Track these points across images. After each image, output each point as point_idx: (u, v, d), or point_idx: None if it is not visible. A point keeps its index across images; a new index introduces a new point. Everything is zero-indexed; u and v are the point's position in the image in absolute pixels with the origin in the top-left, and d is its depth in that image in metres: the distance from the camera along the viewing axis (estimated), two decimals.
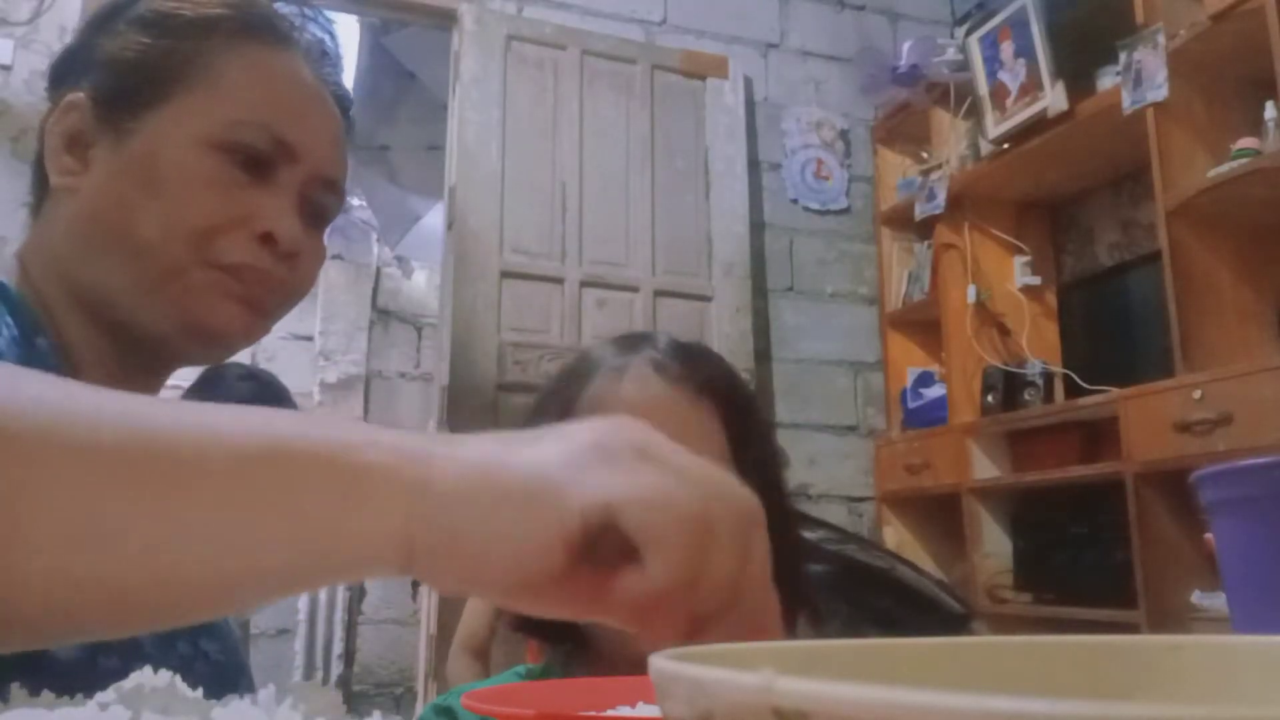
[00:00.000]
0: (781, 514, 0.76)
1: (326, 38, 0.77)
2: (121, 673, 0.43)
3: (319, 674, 3.87)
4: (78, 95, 0.69)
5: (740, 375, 0.79)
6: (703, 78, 3.15)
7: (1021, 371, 2.84)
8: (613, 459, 0.35)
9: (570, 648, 0.76)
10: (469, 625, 1.85)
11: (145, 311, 0.67)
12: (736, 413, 0.73)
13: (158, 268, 0.66)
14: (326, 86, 0.75)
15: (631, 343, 0.76)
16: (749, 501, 0.37)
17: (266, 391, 1.83)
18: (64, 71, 0.72)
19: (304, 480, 0.36)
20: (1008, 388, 2.82)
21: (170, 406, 0.38)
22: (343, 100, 0.77)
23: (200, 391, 1.84)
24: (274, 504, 0.36)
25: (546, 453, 0.36)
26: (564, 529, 0.34)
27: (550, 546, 0.35)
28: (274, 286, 0.70)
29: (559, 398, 0.75)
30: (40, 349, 0.64)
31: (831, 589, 0.77)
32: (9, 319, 0.63)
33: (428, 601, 2.70)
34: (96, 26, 0.72)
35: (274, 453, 0.36)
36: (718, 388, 0.73)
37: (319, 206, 0.74)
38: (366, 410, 4.21)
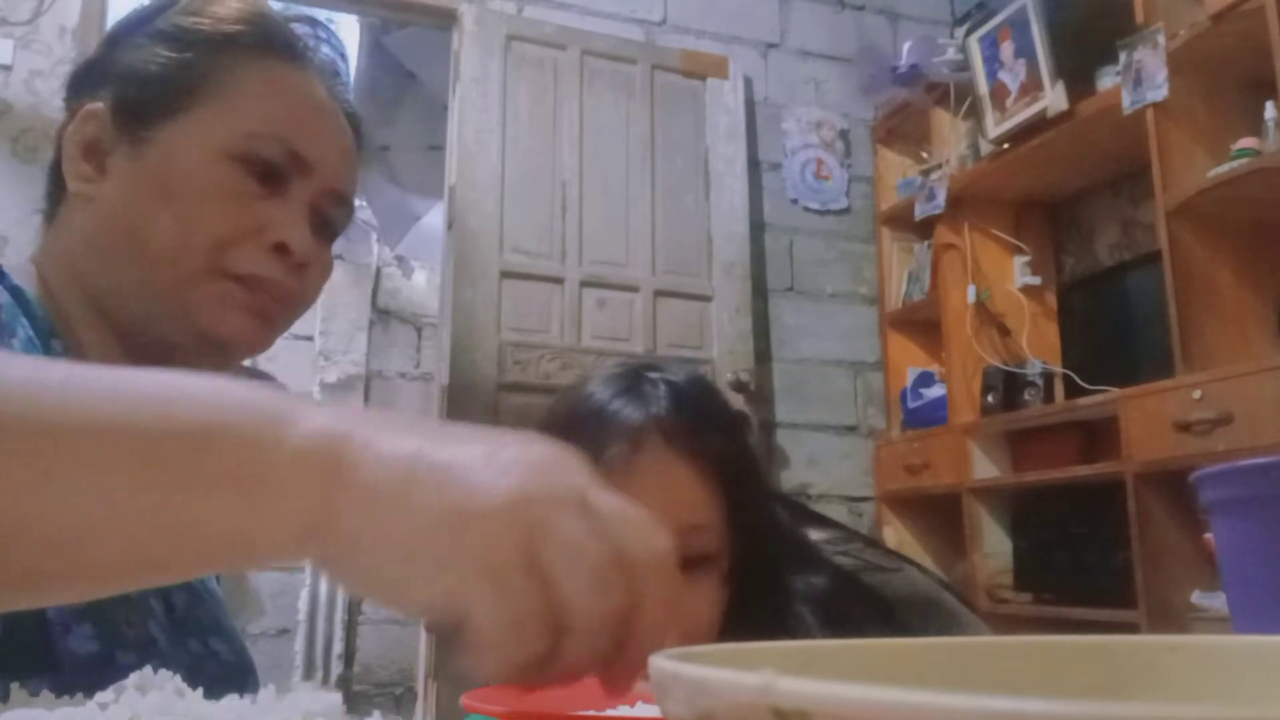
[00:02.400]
0: (772, 566, 0.76)
1: (338, 59, 0.80)
2: (138, 668, 0.44)
3: (319, 674, 3.86)
4: (96, 105, 0.70)
5: (738, 418, 0.80)
6: (703, 78, 3.15)
7: (1021, 371, 2.84)
8: (506, 552, 0.34)
9: None
10: None
11: (157, 319, 0.68)
12: (737, 479, 0.74)
13: (171, 276, 0.67)
14: (338, 104, 0.76)
15: (635, 391, 0.75)
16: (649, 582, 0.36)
17: (259, 377, 1.84)
18: (83, 82, 0.74)
19: (209, 473, 0.36)
20: (1008, 388, 2.82)
21: (74, 383, 0.38)
22: (353, 118, 0.79)
23: None
24: (177, 496, 0.36)
25: (452, 499, 0.35)
26: (428, 598, 0.35)
27: (417, 602, 0.36)
28: (284, 296, 0.71)
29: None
30: (55, 353, 0.66)
31: (826, 606, 0.78)
32: (24, 321, 0.64)
33: None
34: (116, 39, 0.74)
35: (188, 442, 0.36)
36: (722, 457, 0.74)
37: (329, 219, 0.75)
38: None
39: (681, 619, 0.70)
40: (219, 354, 0.71)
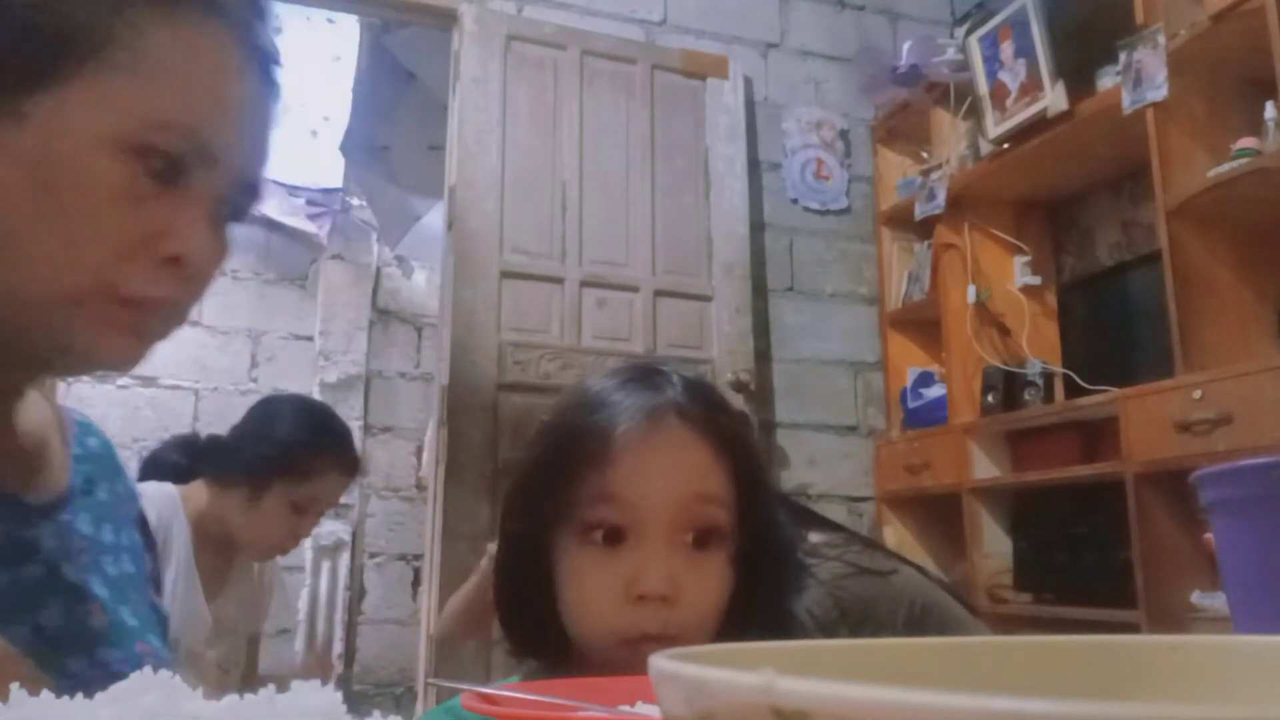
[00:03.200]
0: (774, 562, 0.76)
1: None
2: None
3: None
4: None
5: (744, 416, 0.80)
6: (703, 78, 3.15)
7: (1021, 371, 2.84)
8: None
9: (553, 659, 0.77)
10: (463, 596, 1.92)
11: (24, 329, 0.59)
12: (746, 465, 0.74)
13: (52, 290, 0.58)
14: (257, 57, 0.63)
15: (647, 381, 0.76)
16: None
17: (329, 433, 1.80)
18: None
19: None
20: (1008, 388, 2.82)
21: None
22: (271, 74, 0.65)
23: (255, 423, 1.79)
24: None
25: None
26: None
27: None
28: (172, 310, 0.62)
29: (579, 431, 0.74)
30: None
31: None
32: None
33: (428, 601, 2.70)
34: None
35: None
36: (734, 441, 0.74)
37: (234, 207, 0.65)
38: (366, 410, 4.21)
39: (690, 593, 0.70)
40: (84, 370, 0.66)
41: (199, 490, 1.73)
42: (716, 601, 0.71)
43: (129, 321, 0.59)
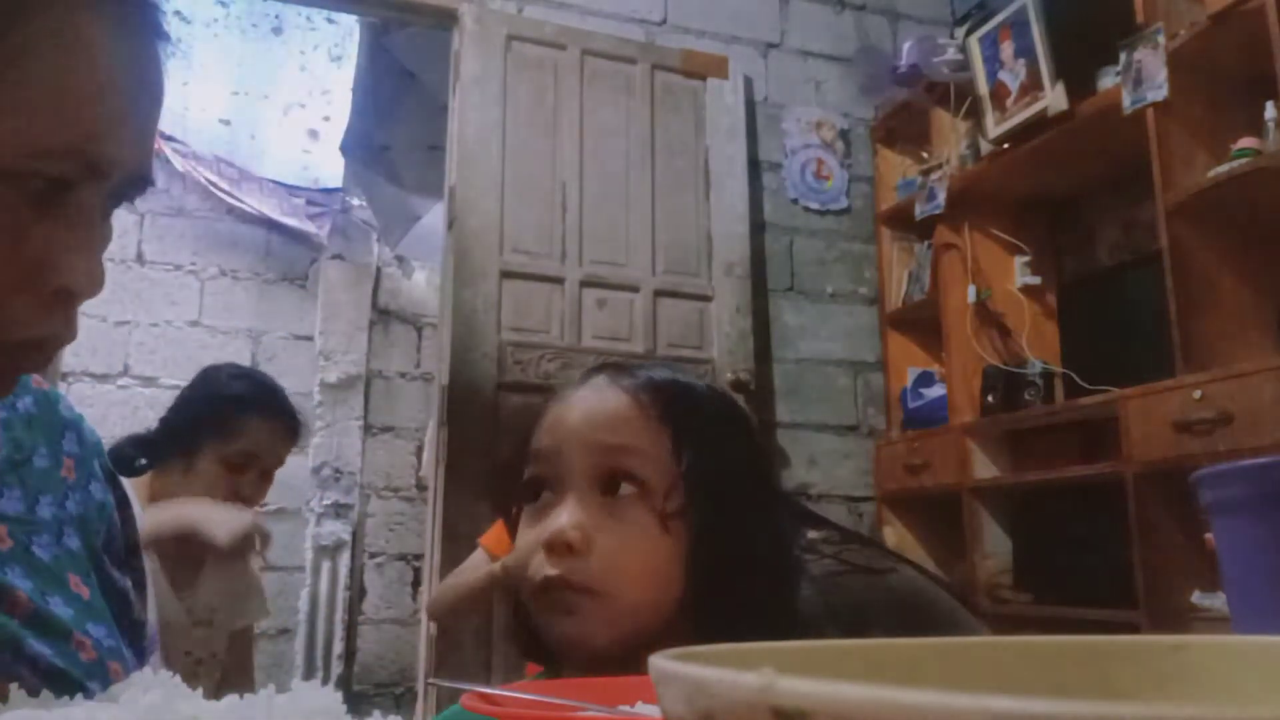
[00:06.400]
0: (751, 549, 0.73)
1: None
2: None
3: (319, 674, 3.87)
4: None
5: (717, 410, 0.78)
6: (703, 78, 3.15)
7: (1021, 371, 2.84)
8: None
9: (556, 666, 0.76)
10: (463, 575, 1.90)
11: None
12: (695, 439, 0.72)
13: None
14: (142, 15, 0.54)
15: (617, 367, 0.78)
16: None
17: (258, 390, 1.81)
18: None
19: None
20: (1008, 388, 2.82)
21: None
22: (159, 22, 0.55)
23: (195, 389, 1.82)
24: None
25: None
26: None
27: None
28: (56, 344, 0.55)
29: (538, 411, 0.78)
30: None
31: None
32: None
33: (428, 602, 2.70)
34: None
35: None
36: (674, 410, 0.73)
37: (119, 199, 0.57)
38: (366, 410, 4.21)
39: (604, 544, 0.68)
40: None
41: (146, 483, 1.72)
42: (637, 556, 0.68)
43: (9, 366, 0.53)
